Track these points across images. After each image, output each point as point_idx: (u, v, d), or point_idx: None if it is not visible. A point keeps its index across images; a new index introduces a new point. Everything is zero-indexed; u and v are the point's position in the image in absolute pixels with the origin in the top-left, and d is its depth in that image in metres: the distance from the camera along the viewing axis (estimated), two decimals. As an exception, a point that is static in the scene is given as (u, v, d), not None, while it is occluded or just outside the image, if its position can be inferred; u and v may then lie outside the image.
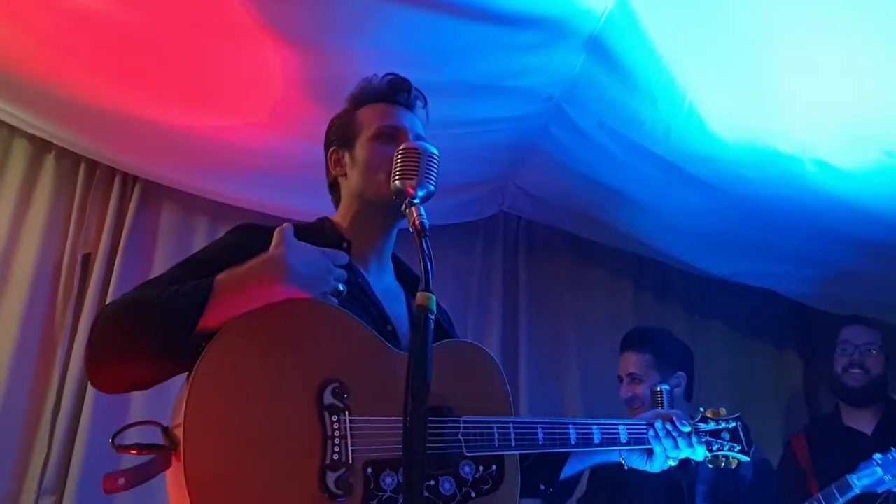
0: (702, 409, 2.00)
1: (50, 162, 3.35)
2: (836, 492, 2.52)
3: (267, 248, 1.41)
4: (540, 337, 3.91)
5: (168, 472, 1.31)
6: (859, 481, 2.50)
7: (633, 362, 2.86)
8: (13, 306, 3.13)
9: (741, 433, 1.99)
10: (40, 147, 3.33)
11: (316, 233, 1.64)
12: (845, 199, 2.96)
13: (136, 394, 3.13)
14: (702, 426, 1.94)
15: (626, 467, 1.86)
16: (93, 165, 3.40)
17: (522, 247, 4.06)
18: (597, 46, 2.56)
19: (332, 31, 2.55)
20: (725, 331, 4.26)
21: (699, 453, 1.89)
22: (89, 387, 3.09)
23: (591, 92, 2.81)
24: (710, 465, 1.95)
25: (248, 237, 1.52)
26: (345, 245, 1.64)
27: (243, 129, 3.04)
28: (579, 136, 3.07)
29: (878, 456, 2.51)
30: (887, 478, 2.47)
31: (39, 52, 2.72)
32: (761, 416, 3.92)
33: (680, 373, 2.85)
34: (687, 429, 1.85)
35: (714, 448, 1.93)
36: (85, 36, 2.63)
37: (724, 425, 1.97)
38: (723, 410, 2.01)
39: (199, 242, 3.41)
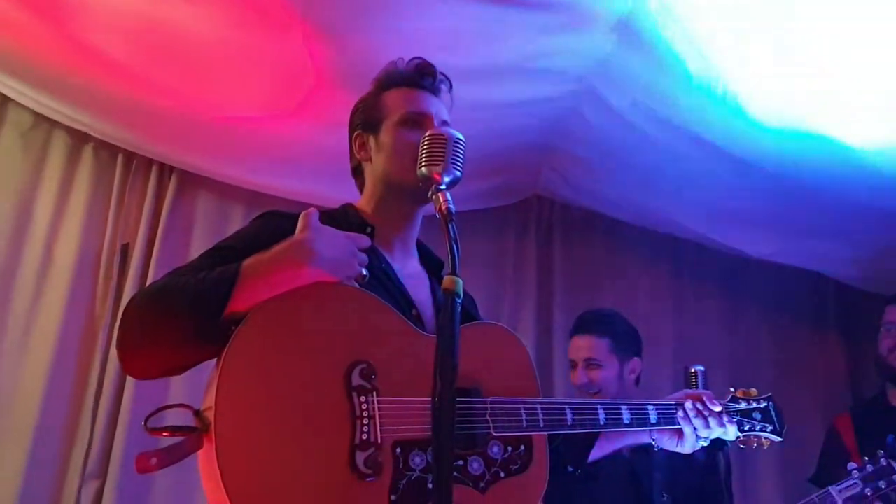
0: (732, 389, 1.96)
1: (88, 154, 3.42)
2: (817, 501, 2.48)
3: (291, 233, 1.42)
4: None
5: (200, 454, 1.32)
6: (840, 495, 2.44)
7: (590, 346, 2.75)
8: (56, 295, 3.21)
9: (773, 413, 1.95)
10: (79, 139, 3.41)
11: (339, 219, 1.63)
12: (888, 174, 2.89)
13: (175, 378, 3.17)
14: (732, 406, 1.91)
15: (656, 448, 1.84)
16: (130, 156, 3.47)
17: (557, 230, 4.04)
18: (628, 27, 2.52)
19: (361, 18, 2.55)
20: (765, 313, 4.18)
21: (731, 433, 1.86)
22: (130, 373, 3.16)
23: (624, 72, 2.77)
24: (741, 446, 1.92)
25: (273, 223, 1.53)
26: (368, 230, 1.63)
27: (275, 119, 3.07)
28: (612, 116, 3.03)
29: (854, 469, 2.45)
30: (868, 492, 2.41)
31: (77, 50, 2.78)
32: (802, 399, 3.86)
33: (636, 358, 2.80)
34: (717, 408, 1.82)
35: (745, 428, 1.90)
36: (120, 32, 2.69)
37: (755, 405, 1.94)
38: (754, 391, 1.97)
39: (234, 230, 3.42)
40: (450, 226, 1.37)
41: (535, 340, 3.78)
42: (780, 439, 1.94)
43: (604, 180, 3.63)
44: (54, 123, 3.36)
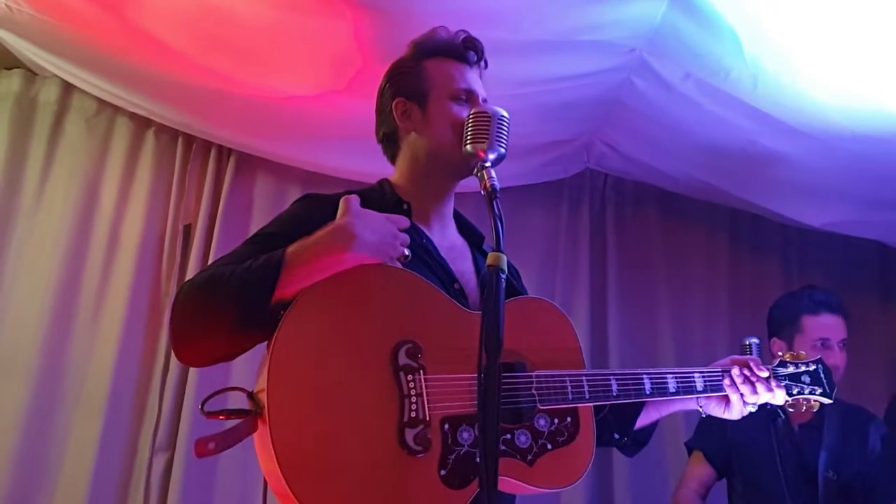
0: (780, 353, 1.96)
1: (150, 138, 3.53)
2: None
3: (332, 217, 1.45)
4: (630, 298, 3.86)
5: (255, 435, 1.37)
6: None
7: (844, 328, 2.70)
8: (123, 274, 3.34)
9: (822, 375, 1.94)
10: (141, 124, 3.52)
11: (376, 197, 1.65)
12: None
13: (237, 359, 3.30)
14: (780, 370, 1.90)
15: (703, 415, 1.84)
16: (190, 140, 3.56)
17: (610, 204, 4.02)
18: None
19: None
20: (826, 284, 4.08)
21: (779, 398, 1.85)
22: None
23: (675, 43, 2.73)
24: (790, 409, 1.91)
25: (313, 207, 1.56)
26: (405, 206, 1.65)
27: (326, 99, 3.10)
28: (664, 88, 3.00)
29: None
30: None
31: (138, 38, 2.86)
32: (867, 370, 3.79)
33: None
34: (765, 374, 1.81)
35: (794, 392, 1.89)
36: (178, 19, 2.76)
37: (803, 368, 1.93)
38: (802, 353, 1.96)
39: (292, 210, 3.52)
40: (494, 203, 1.39)
41: (589, 317, 3.77)
42: (829, 401, 1.93)
43: (657, 153, 3.58)
44: (117, 109, 3.47)
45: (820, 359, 1.98)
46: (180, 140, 3.55)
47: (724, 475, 2.86)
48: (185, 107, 3.34)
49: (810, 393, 1.91)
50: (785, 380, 1.89)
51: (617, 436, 1.83)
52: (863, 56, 2.52)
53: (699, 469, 2.87)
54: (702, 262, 4.02)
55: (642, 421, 1.84)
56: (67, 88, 3.44)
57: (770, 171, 3.39)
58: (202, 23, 2.75)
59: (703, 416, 1.85)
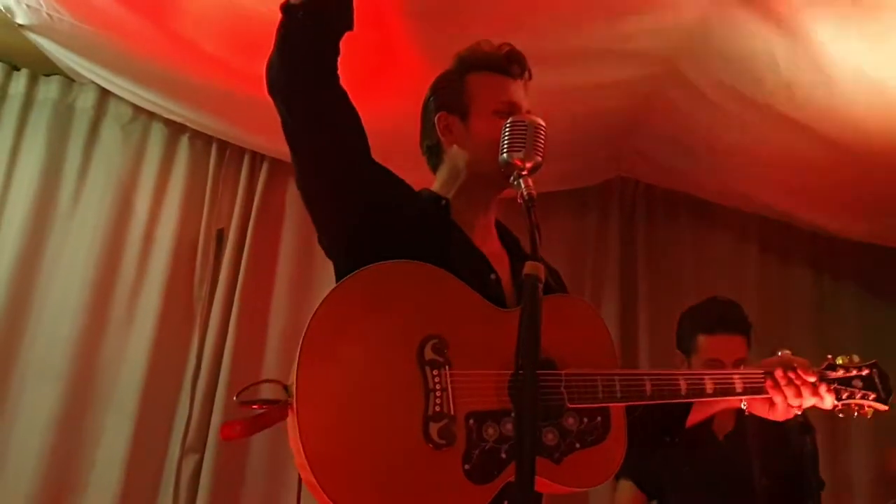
0: (830, 357, 1.86)
1: (184, 144, 3.59)
2: None
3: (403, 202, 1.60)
4: (659, 304, 3.82)
5: (288, 427, 1.39)
6: None
7: (742, 347, 2.53)
8: (156, 277, 3.39)
9: (877, 380, 1.83)
10: (175, 130, 3.57)
11: (414, 198, 1.68)
12: None
13: (268, 361, 3.34)
14: (829, 374, 1.81)
15: (745, 413, 1.79)
16: (223, 146, 3.62)
17: (640, 211, 4.00)
18: (712, 6, 2.48)
19: (448, 4, 2.57)
20: (858, 293, 4.05)
21: (827, 402, 1.78)
22: (225, 353, 3.33)
23: (709, 52, 2.73)
24: (840, 415, 1.82)
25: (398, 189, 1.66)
26: (443, 202, 1.67)
27: (358, 107, 3.11)
28: (698, 96, 3.00)
29: None
30: None
31: (174, 45, 2.91)
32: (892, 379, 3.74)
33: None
34: (811, 378, 1.75)
35: (844, 397, 1.80)
36: (214, 27, 2.80)
37: (855, 373, 1.83)
38: (856, 357, 1.85)
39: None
40: (531, 212, 1.40)
41: (618, 323, 3.75)
42: (885, 407, 1.83)
43: (689, 161, 3.57)
44: (152, 115, 3.53)
45: (875, 363, 1.87)
46: (214, 146, 3.60)
47: (656, 497, 2.72)
48: (219, 113, 3.39)
49: (862, 398, 1.81)
50: (835, 384, 1.80)
51: (668, 438, 1.80)
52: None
53: (628, 496, 2.71)
54: (731, 270, 3.98)
55: (691, 418, 1.80)
56: (104, 95, 3.51)
57: (802, 181, 3.37)
58: (239, 30, 2.78)
59: (746, 413, 1.79)
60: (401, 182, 1.66)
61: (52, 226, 3.36)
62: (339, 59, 1.58)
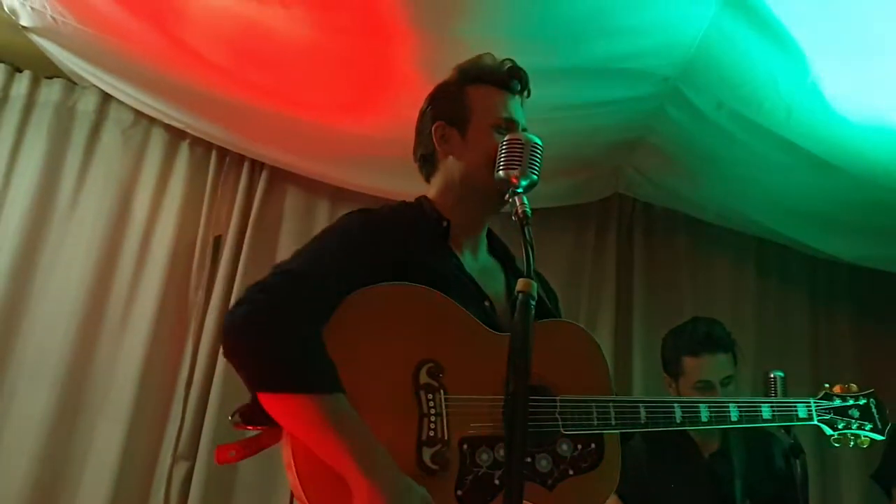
0: (826, 385, 1.88)
1: (184, 150, 3.59)
2: None
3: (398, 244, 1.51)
4: (655, 323, 3.79)
5: (282, 441, 1.39)
6: None
7: (729, 364, 2.55)
8: (152, 282, 3.38)
9: (874, 410, 1.85)
10: (176, 136, 3.58)
11: (415, 213, 1.67)
12: None
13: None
14: (824, 403, 1.82)
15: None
16: (223, 153, 3.62)
17: (638, 229, 4.00)
18: (713, 27, 2.50)
19: (452, 19, 2.56)
20: (854, 317, 4.05)
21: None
22: (219, 360, 3.31)
23: (709, 72, 2.74)
24: (836, 445, 1.82)
25: (382, 237, 1.55)
26: (445, 224, 1.66)
27: (359, 117, 3.12)
28: (697, 117, 3.00)
29: None
30: None
31: (177, 51, 2.92)
32: (886, 404, 3.74)
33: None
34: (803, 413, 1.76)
35: (839, 426, 1.81)
36: (218, 35, 2.81)
37: (852, 402, 1.84)
38: (853, 386, 1.87)
39: (320, 224, 3.56)
40: (526, 229, 1.39)
41: (613, 341, 3.75)
42: (882, 437, 1.83)
43: (687, 180, 3.58)
44: (153, 121, 3.54)
45: (873, 392, 1.88)
46: (214, 153, 3.61)
47: None
48: (220, 121, 3.40)
49: (858, 429, 1.82)
50: (829, 413, 1.81)
51: None
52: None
53: None
54: (728, 291, 3.99)
55: None
56: (105, 99, 3.51)
57: (798, 203, 3.38)
58: (241, 38, 2.80)
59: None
60: (390, 228, 1.59)
61: (49, 228, 3.35)
62: None
